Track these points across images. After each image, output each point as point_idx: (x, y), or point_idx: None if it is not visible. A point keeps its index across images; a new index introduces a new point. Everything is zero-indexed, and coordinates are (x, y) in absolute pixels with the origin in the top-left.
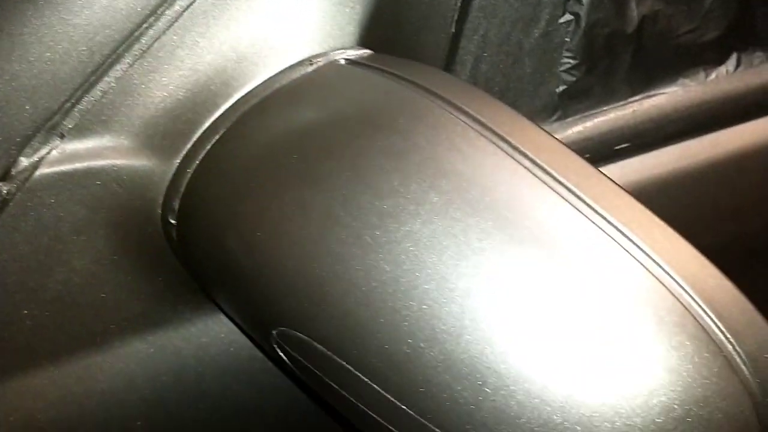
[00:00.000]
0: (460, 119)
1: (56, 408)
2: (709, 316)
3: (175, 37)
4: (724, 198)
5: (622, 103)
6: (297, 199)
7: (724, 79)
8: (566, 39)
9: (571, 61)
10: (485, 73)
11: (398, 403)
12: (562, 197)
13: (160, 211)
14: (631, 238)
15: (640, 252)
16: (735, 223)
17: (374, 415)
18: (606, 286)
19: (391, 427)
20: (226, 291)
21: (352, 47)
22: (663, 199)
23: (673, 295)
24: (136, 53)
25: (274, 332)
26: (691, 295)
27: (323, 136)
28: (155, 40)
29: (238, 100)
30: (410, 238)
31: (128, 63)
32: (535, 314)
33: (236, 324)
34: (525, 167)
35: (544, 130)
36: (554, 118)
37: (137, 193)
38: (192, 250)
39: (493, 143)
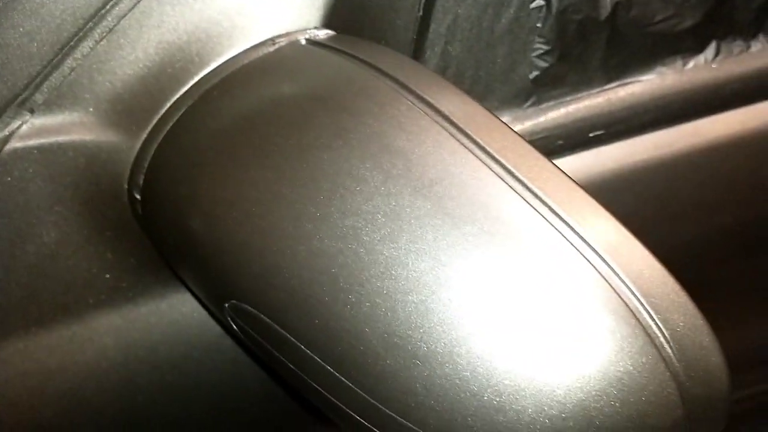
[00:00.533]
0: (409, 100)
1: (27, 379)
2: (637, 298)
3: (140, 16)
4: (702, 188)
5: (597, 90)
6: (248, 176)
7: (702, 67)
8: (537, 24)
9: (543, 46)
10: (456, 57)
11: (338, 375)
12: (501, 178)
13: (126, 186)
14: (563, 218)
15: (570, 231)
16: (715, 214)
17: (318, 387)
18: (535, 265)
19: (332, 398)
20: (185, 265)
21: (316, 28)
22: (638, 187)
23: (602, 275)
24: (103, 31)
25: (226, 305)
26: (620, 277)
27: (277, 114)
28: (121, 19)
29: (201, 78)
30: (352, 215)
31: (95, 40)
32: (470, 293)
33: (197, 298)
34: (468, 149)
35: (495, 116)
36: (528, 103)
37: (105, 169)
38: (155, 224)
39: (439, 124)
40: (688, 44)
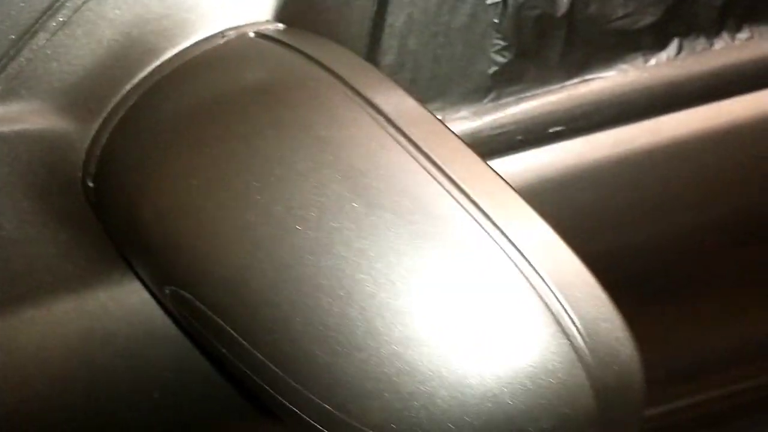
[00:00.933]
0: (344, 92)
1: None
2: (551, 290)
3: (96, 8)
4: (662, 185)
5: (557, 86)
6: (188, 165)
7: (664, 65)
8: (495, 20)
9: (501, 42)
10: (414, 53)
11: (264, 360)
12: (428, 172)
13: (80, 175)
14: (482, 209)
15: (490, 224)
16: (676, 211)
17: (249, 372)
18: (452, 255)
19: (264, 385)
20: (132, 251)
21: (267, 22)
22: (599, 183)
23: (518, 267)
24: (59, 23)
25: (167, 291)
26: (535, 269)
27: (220, 105)
28: (77, 11)
29: (153, 69)
30: (281, 203)
31: (51, 32)
32: (390, 282)
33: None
34: (398, 142)
35: (430, 112)
36: (488, 99)
37: (60, 157)
38: (106, 212)
39: (371, 117)
40: (649, 41)
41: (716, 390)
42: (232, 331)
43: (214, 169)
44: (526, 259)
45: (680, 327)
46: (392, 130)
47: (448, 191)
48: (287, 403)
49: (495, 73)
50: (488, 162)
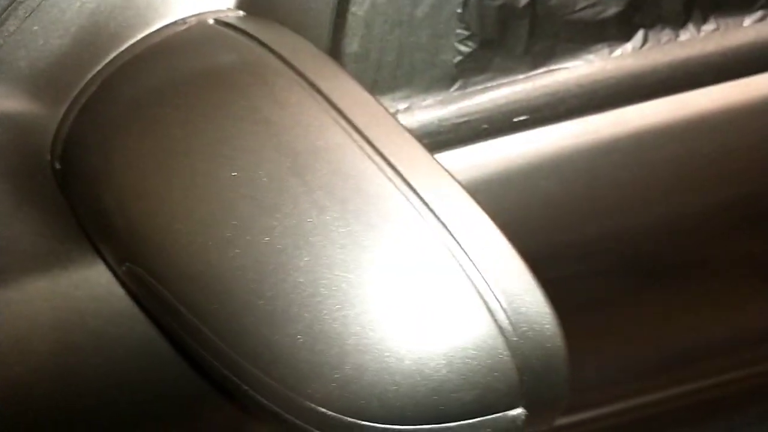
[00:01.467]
0: (292, 77)
1: None
2: (472, 263)
3: None
4: (626, 174)
5: (522, 76)
6: (145, 147)
7: (629, 55)
8: (458, 10)
9: (465, 32)
10: (378, 42)
11: (213, 337)
12: (369, 157)
13: (49, 158)
14: (413, 187)
15: (423, 206)
16: (639, 201)
17: (199, 348)
18: (382, 233)
19: (214, 361)
20: (93, 230)
21: (228, 9)
22: (563, 172)
23: (449, 250)
24: (27, 10)
25: (123, 267)
26: (459, 244)
27: (176, 90)
28: (42, 0)
29: (116, 56)
30: (227, 180)
31: (20, 19)
32: (325, 258)
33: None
34: (340, 125)
35: (377, 101)
36: (454, 88)
37: (30, 140)
38: (72, 194)
39: (315, 101)
40: (614, 32)
41: (689, 384)
42: (181, 307)
43: (165, 151)
44: (455, 239)
45: (650, 318)
46: (334, 114)
47: (383, 172)
48: (236, 380)
49: (460, 62)
50: (455, 150)
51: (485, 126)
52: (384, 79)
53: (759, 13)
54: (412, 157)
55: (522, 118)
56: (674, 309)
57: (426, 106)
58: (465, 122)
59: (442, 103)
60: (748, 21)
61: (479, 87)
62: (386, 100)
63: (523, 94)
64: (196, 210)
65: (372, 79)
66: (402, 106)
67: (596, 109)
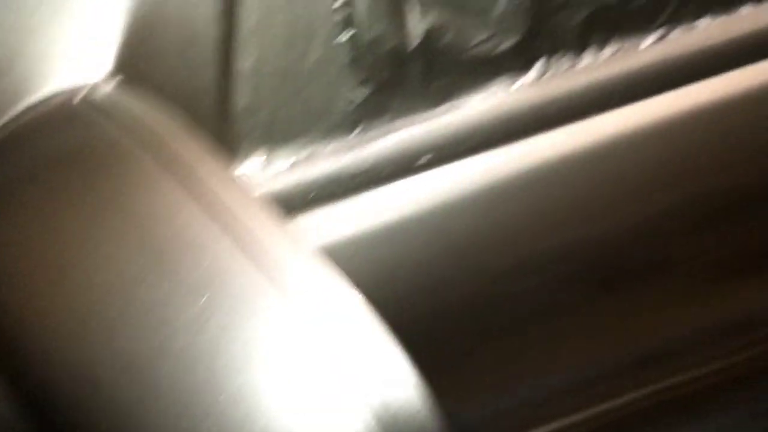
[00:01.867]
0: (141, 161)
1: None
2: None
3: None
4: (536, 209)
5: (423, 115)
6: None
7: (529, 86)
8: (347, 59)
9: (358, 78)
10: (270, 95)
11: None
12: (223, 231)
13: None
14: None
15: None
16: (544, 235)
17: None
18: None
19: None
20: None
21: (106, 77)
22: (471, 210)
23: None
24: None
25: None
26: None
27: (32, 174)
28: None
29: None
30: (86, 257)
31: None
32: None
33: None
34: (195, 200)
35: (225, 169)
36: (354, 133)
37: None
38: None
39: (171, 179)
40: (513, 64)
41: (666, 380)
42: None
43: (24, 244)
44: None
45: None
46: (191, 191)
47: (232, 245)
48: None
49: (357, 107)
50: (361, 195)
51: (390, 168)
52: (280, 130)
53: (657, 33)
54: (266, 233)
55: (427, 157)
56: (636, 312)
57: (328, 153)
58: (368, 166)
59: (344, 149)
60: (645, 43)
61: (381, 129)
62: (284, 151)
63: (425, 133)
64: (56, 292)
65: (267, 132)
66: (303, 154)
67: (500, 143)
